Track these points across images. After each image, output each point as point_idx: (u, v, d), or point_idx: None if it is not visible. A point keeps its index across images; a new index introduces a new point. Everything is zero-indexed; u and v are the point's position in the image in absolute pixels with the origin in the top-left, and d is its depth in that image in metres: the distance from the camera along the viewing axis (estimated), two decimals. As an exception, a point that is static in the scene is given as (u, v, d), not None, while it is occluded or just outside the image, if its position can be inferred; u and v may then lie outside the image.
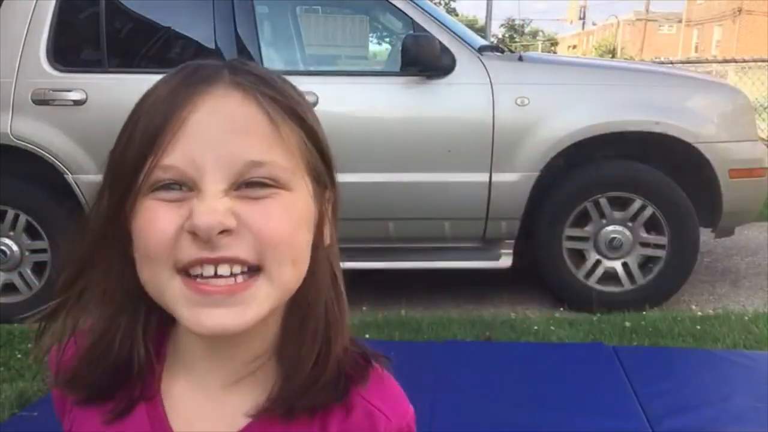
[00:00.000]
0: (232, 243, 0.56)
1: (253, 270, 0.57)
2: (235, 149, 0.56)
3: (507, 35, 50.24)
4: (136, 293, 0.61)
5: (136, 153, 0.57)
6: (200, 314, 0.57)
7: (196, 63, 0.62)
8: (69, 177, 3.29)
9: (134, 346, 0.63)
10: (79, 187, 3.29)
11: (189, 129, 0.56)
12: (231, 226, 0.55)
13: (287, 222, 0.58)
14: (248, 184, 0.57)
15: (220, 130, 0.57)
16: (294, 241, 0.59)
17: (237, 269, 0.57)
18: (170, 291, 0.57)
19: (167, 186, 0.57)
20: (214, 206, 0.55)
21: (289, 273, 0.59)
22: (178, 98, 0.57)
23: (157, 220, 0.56)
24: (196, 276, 0.56)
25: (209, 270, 0.56)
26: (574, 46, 58.80)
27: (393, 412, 0.67)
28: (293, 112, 0.60)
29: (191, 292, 0.56)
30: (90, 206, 0.63)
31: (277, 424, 0.62)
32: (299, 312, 0.64)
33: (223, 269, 0.56)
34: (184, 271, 0.57)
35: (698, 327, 3.08)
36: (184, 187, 0.56)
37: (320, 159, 0.63)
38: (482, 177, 3.29)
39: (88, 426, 0.64)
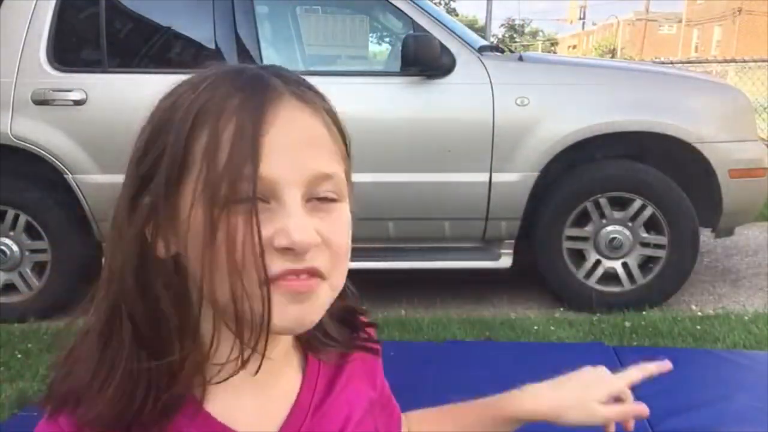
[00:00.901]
0: (315, 255, 0.59)
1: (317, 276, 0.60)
2: (308, 162, 0.59)
3: (507, 35, 50.27)
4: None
5: (231, 164, 0.56)
6: (284, 311, 0.58)
7: (244, 70, 0.61)
8: (69, 177, 3.29)
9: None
10: (79, 187, 3.30)
11: (267, 141, 0.57)
12: (319, 242, 0.58)
13: (348, 234, 0.63)
14: (318, 198, 0.59)
15: (297, 144, 0.58)
16: (349, 250, 0.63)
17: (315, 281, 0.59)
18: (257, 297, 0.57)
19: (244, 198, 0.57)
20: (305, 222, 0.58)
21: (342, 278, 0.64)
22: (255, 111, 0.57)
23: (240, 235, 0.56)
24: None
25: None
26: (574, 46, 58.83)
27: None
28: (339, 125, 0.63)
29: (280, 293, 0.58)
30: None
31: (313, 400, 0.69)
32: None
33: (303, 278, 0.59)
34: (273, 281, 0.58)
35: (698, 327, 3.08)
36: (262, 199, 0.57)
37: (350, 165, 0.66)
38: (482, 177, 3.30)
39: None
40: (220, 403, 0.64)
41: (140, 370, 0.59)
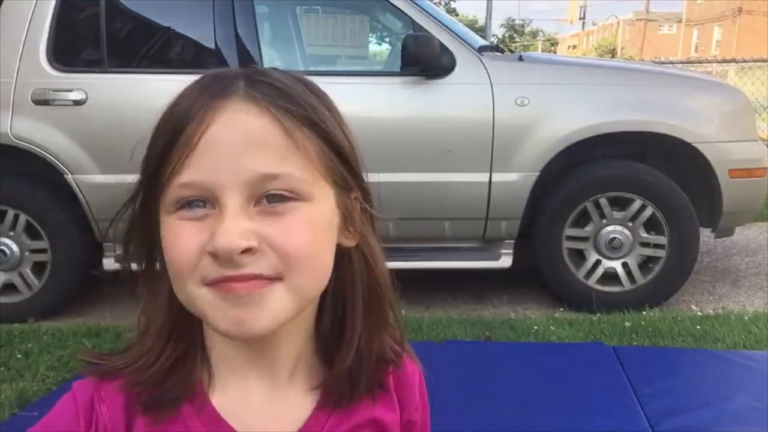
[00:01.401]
0: (255, 260, 0.56)
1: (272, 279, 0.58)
2: (249, 163, 0.56)
3: (507, 35, 50.22)
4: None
5: (153, 168, 0.58)
6: (225, 314, 0.57)
7: (214, 73, 0.61)
8: (69, 177, 3.29)
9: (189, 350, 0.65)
10: (79, 187, 3.29)
11: (204, 144, 0.56)
12: (251, 246, 0.55)
13: (309, 235, 0.58)
14: (267, 198, 0.57)
15: (235, 145, 0.56)
16: (315, 252, 0.59)
17: (258, 283, 0.57)
18: (200, 300, 0.58)
19: (191, 203, 0.57)
20: (234, 227, 0.55)
21: (309, 281, 0.60)
22: (192, 112, 0.57)
23: (180, 240, 0.57)
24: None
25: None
26: (574, 46, 58.80)
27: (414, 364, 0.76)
28: (309, 121, 0.59)
29: (216, 295, 0.57)
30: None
31: (333, 415, 0.67)
32: (330, 311, 0.67)
33: (246, 282, 0.57)
34: (211, 285, 0.58)
35: (698, 327, 3.08)
36: (208, 203, 0.57)
37: (342, 163, 0.63)
38: (482, 177, 3.29)
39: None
40: (229, 399, 0.64)
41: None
